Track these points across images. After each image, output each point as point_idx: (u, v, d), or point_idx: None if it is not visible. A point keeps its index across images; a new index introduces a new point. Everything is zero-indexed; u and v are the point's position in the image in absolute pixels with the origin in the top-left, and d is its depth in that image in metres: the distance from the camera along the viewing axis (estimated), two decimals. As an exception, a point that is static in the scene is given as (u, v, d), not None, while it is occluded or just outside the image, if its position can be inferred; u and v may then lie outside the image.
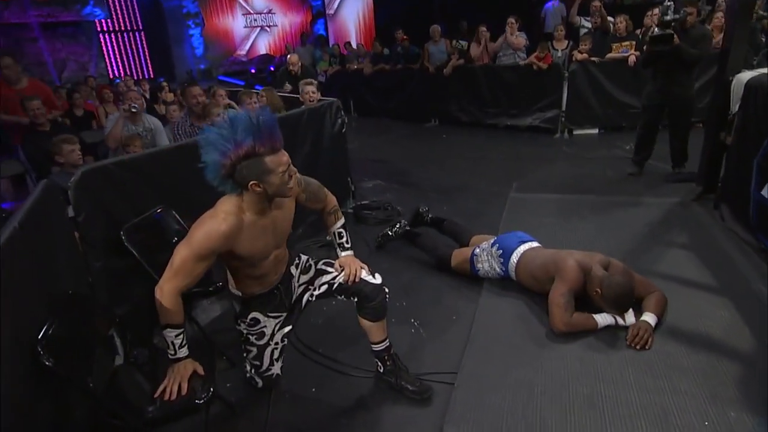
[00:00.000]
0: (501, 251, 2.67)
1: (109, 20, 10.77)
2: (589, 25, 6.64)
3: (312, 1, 14.03)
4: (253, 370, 1.94)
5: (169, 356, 1.58)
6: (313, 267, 1.99)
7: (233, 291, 1.84)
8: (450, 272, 2.93)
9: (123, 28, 11.34)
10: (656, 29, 3.84)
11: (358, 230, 3.76)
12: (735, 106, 3.47)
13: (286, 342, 1.97)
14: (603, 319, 2.22)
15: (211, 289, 2.12)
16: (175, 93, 6.34)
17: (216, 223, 1.52)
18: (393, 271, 3.03)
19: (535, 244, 2.68)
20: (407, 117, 7.93)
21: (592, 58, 5.97)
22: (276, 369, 1.95)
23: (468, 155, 5.83)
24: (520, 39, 6.49)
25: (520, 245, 2.65)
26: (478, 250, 2.79)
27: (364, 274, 1.89)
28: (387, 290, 1.92)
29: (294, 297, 1.96)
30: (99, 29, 10.77)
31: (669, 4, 3.75)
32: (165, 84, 7.18)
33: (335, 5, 13.65)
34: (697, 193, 3.84)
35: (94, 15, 10.27)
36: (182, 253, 1.51)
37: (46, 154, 3.36)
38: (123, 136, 3.63)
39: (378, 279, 1.91)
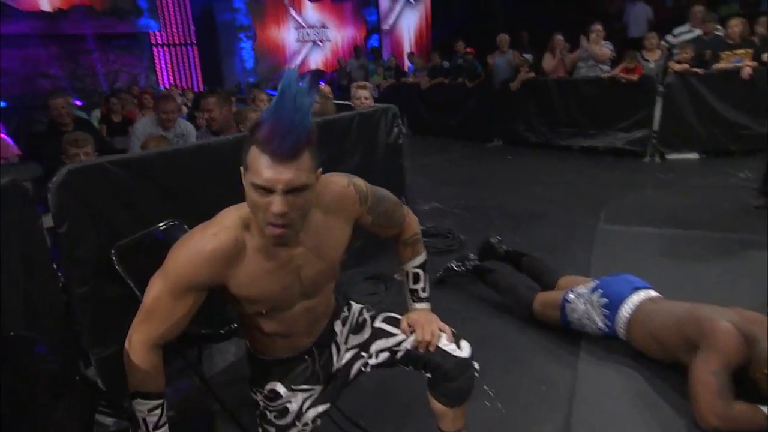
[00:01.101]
0: (606, 300, 2.08)
1: (162, 33, 11.05)
2: (688, 35, 5.96)
3: (367, 16, 14.04)
4: None
5: None
6: (368, 324, 1.46)
7: (248, 347, 1.38)
8: (533, 322, 2.37)
9: (176, 41, 11.63)
10: None
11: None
12: None
13: (319, 423, 1.42)
14: None
15: (222, 331, 1.66)
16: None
17: (201, 241, 1.09)
18: (456, 315, 2.49)
19: (653, 293, 2.08)
20: (467, 136, 7.46)
21: (695, 69, 5.29)
22: None
23: (540, 179, 5.26)
24: (605, 50, 5.89)
25: (633, 293, 2.05)
26: (572, 295, 2.21)
27: (444, 341, 1.37)
28: (477, 367, 1.40)
29: (336, 365, 1.44)
30: (152, 42, 11.06)
31: None
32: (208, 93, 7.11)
33: (391, 21, 13.57)
34: None
35: (149, 27, 10.56)
36: (156, 287, 1.10)
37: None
38: (149, 136, 3.32)
39: (465, 350, 1.38)
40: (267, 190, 0.99)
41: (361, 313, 1.48)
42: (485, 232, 3.55)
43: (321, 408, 1.39)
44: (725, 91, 5.25)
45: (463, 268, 2.83)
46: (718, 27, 5.79)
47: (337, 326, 1.43)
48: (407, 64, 9.97)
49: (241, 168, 1.03)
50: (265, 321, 1.23)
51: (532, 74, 6.57)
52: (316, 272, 1.22)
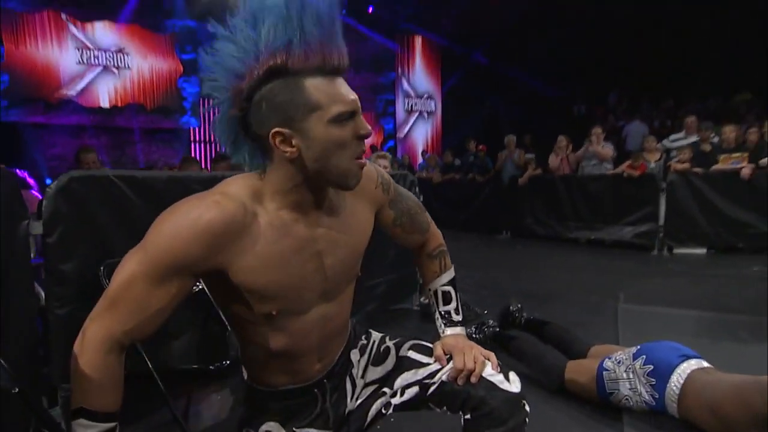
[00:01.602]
0: (651, 367, 1.71)
1: (201, 129, 11.54)
2: (683, 141, 5.98)
3: (384, 125, 14.69)
4: None
5: None
6: (392, 353, 1.12)
7: (243, 376, 1.06)
8: (563, 393, 1.96)
9: (214, 139, 12.12)
10: None
11: (428, 329, 2.90)
12: None
13: None
14: None
15: (212, 367, 1.31)
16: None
17: (198, 208, 0.80)
18: None
19: (705, 363, 1.71)
20: (476, 228, 7.29)
21: (695, 169, 5.21)
22: None
23: (552, 265, 4.99)
24: (607, 149, 5.94)
25: (683, 361, 1.69)
26: (609, 362, 1.84)
27: (489, 370, 0.99)
28: (528, 410, 1.00)
29: (350, 405, 1.08)
30: (192, 138, 11.50)
31: None
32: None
33: (405, 130, 14.16)
34: None
35: (189, 124, 11.04)
36: (128, 266, 0.80)
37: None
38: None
39: (515, 384, 0.99)
40: (352, 113, 0.80)
41: (383, 341, 1.15)
42: (502, 305, 3.23)
43: None
44: (727, 190, 5.12)
45: (481, 336, 2.46)
46: (713, 134, 5.82)
47: (354, 355, 1.10)
48: (420, 161, 10.16)
49: (277, 129, 0.79)
50: (273, 331, 0.91)
51: (539, 171, 6.58)
52: (339, 261, 0.94)
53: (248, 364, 1.02)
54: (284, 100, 0.78)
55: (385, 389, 1.08)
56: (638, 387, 1.73)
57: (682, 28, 9.15)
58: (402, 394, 1.05)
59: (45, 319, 1.39)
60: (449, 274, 1.18)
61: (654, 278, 4.27)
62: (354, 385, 1.08)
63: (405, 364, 1.07)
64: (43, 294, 1.44)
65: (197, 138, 12.00)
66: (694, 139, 5.82)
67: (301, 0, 0.75)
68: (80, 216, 1.48)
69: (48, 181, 9.12)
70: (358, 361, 1.10)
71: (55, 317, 1.39)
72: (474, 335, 2.48)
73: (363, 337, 1.14)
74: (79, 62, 9.03)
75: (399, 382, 1.06)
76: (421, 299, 2.33)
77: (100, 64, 9.31)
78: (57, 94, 8.94)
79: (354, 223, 0.97)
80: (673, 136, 6.21)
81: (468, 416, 0.98)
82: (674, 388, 1.64)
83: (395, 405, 1.06)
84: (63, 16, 8.71)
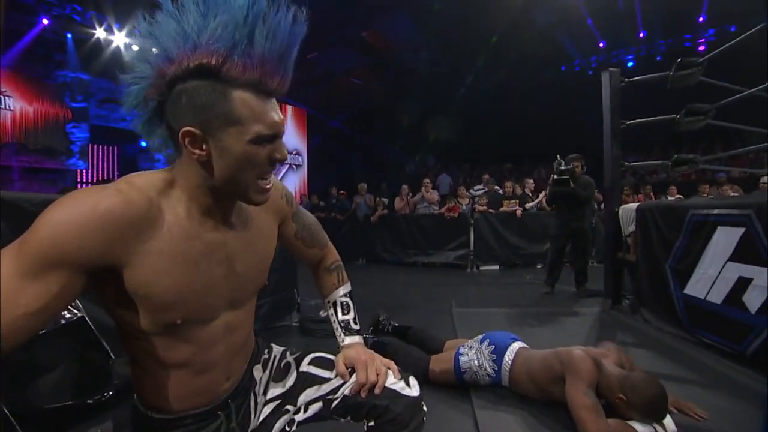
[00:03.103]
0: (493, 347, 1.88)
1: (89, 171, 9.45)
2: (482, 190, 6.99)
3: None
4: None
5: None
6: (293, 368, 0.93)
7: (134, 401, 0.77)
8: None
9: (100, 179, 9.97)
10: (555, 176, 3.89)
11: (307, 343, 2.74)
12: (627, 229, 3.36)
13: None
14: (643, 429, 1.40)
15: (91, 401, 0.98)
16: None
17: (94, 197, 0.59)
18: None
19: (524, 344, 1.93)
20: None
21: (490, 210, 6.07)
22: None
23: (400, 282, 5.19)
24: (433, 195, 6.57)
25: (513, 342, 1.89)
26: (464, 349, 1.96)
27: (392, 379, 0.87)
28: (425, 407, 0.89)
29: (253, 425, 0.88)
30: (79, 179, 9.31)
31: (560, 161, 3.89)
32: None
33: (279, 177, 13.72)
34: (608, 304, 3.50)
35: (77, 166, 8.98)
36: (4, 256, 0.55)
37: None
38: None
39: (415, 388, 0.88)
40: (273, 137, 0.64)
41: (284, 355, 0.96)
42: (367, 318, 3.19)
43: None
44: (509, 224, 6.03)
45: (360, 342, 2.39)
46: (497, 187, 6.93)
47: (257, 371, 0.90)
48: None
49: (188, 128, 0.61)
50: (176, 342, 0.69)
51: (385, 211, 6.90)
52: (248, 268, 0.77)
53: (142, 387, 0.75)
54: (206, 103, 0.61)
55: (288, 406, 0.90)
56: (483, 363, 1.86)
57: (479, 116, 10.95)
58: (306, 410, 0.89)
59: None
60: (347, 287, 1.05)
61: (471, 288, 4.74)
62: (256, 403, 0.89)
63: (307, 381, 0.91)
64: None
65: (84, 179, 9.77)
66: (486, 189, 6.85)
67: (264, 12, 0.60)
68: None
69: None
70: (260, 377, 0.91)
71: None
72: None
73: (266, 351, 0.95)
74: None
75: (302, 398, 0.90)
76: (320, 313, 2.16)
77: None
78: None
79: (263, 229, 0.82)
80: (476, 187, 7.23)
81: (371, 423, 0.86)
82: (508, 360, 1.82)
83: (299, 421, 0.90)
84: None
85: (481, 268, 5.98)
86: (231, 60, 0.59)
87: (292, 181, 13.49)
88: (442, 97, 10.97)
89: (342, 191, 7.79)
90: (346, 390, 0.87)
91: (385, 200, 7.29)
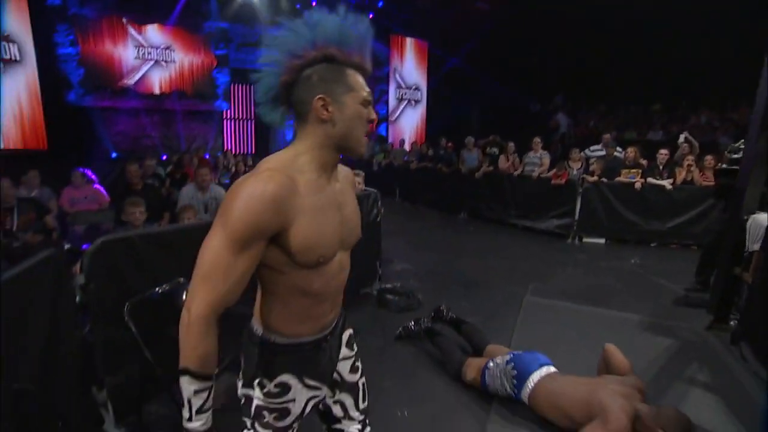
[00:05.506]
0: (516, 372, 2.05)
1: (231, 110, 11.41)
2: (599, 153, 6.11)
3: (378, 110, 14.40)
4: None
5: (184, 423, 0.81)
6: (355, 347, 1.13)
7: (256, 333, 0.94)
8: (462, 383, 2.28)
9: (240, 117, 11.95)
10: (724, 165, 3.23)
11: (379, 315, 3.18)
12: (752, 245, 2.79)
13: None
14: None
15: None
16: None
17: (258, 184, 0.78)
18: (402, 374, 2.42)
19: (552, 369, 2.03)
20: (441, 207, 7.44)
21: (602, 179, 5.38)
22: None
23: (491, 250, 5.16)
24: (545, 159, 6.03)
25: (539, 369, 2.01)
26: (491, 364, 2.17)
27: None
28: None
29: (339, 366, 1.08)
30: (224, 117, 11.39)
31: (734, 146, 3.14)
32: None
33: (396, 115, 13.93)
34: (709, 321, 3.08)
35: (222, 107, 10.96)
36: (213, 243, 0.78)
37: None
38: (180, 206, 3.23)
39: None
40: (368, 102, 0.88)
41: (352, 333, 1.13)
42: (441, 294, 3.49)
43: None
44: (624, 196, 5.30)
45: (417, 328, 2.77)
46: (619, 150, 5.95)
47: (341, 320, 1.07)
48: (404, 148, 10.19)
49: (320, 95, 0.84)
50: (312, 276, 0.88)
51: (491, 168, 6.66)
52: (352, 212, 0.97)
53: (270, 316, 0.91)
54: (331, 77, 0.84)
55: (358, 364, 1.12)
56: (505, 384, 2.06)
57: (613, 44, 8.86)
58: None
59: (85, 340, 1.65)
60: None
61: (561, 268, 4.43)
62: (339, 351, 1.07)
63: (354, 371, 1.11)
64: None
65: (228, 116, 11.87)
66: (605, 152, 5.94)
67: (351, 22, 0.85)
68: (112, 268, 1.65)
69: (114, 155, 9.26)
70: (342, 330, 1.09)
71: (93, 337, 1.64)
72: (412, 327, 2.78)
73: (342, 314, 1.09)
74: (137, 57, 9.11)
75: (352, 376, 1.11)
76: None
77: (153, 59, 9.36)
78: (119, 83, 9.00)
79: (350, 190, 1.01)
80: (592, 147, 6.33)
81: None
82: (528, 388, 1.98)
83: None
84: (124, 20, 8.79)
85: (584, 240, 5.52)
86: (342, 49, 0.85)
87: (411, 118, 13.56)
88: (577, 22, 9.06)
89: (450, 143, 7.67)
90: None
91: (495, 150, 6.97)
